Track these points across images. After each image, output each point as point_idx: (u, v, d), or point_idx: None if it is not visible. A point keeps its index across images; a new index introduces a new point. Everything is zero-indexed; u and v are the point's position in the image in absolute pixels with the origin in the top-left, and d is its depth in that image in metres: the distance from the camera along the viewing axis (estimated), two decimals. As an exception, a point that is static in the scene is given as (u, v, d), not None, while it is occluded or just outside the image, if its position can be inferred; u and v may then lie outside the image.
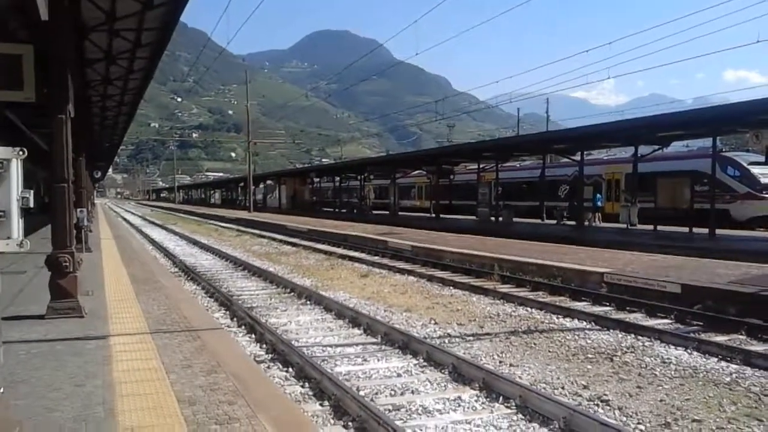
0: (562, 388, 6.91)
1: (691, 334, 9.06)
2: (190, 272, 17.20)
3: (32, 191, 3.41)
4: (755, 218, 25.54)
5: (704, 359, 7.92)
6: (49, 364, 6.05)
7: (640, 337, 9.03)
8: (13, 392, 5.12)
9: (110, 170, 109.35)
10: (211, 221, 49.87)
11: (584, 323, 10.17)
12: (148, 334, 7.43)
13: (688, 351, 8.26)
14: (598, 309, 11.29)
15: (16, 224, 3.26)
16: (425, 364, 7.74)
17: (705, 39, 29.85)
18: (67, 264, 8.16)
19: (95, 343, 6.89)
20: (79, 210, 15.18)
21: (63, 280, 8.20)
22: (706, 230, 21.72)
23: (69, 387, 5.31)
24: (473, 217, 36.19)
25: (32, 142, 21.32)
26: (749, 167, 26.58)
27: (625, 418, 6.00)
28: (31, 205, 3.32)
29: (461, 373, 7.17)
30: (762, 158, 22.38)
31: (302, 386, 6.91)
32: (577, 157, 28.54)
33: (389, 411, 6.08)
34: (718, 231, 21.65)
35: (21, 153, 3.33)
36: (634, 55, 33.16)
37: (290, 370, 7.52)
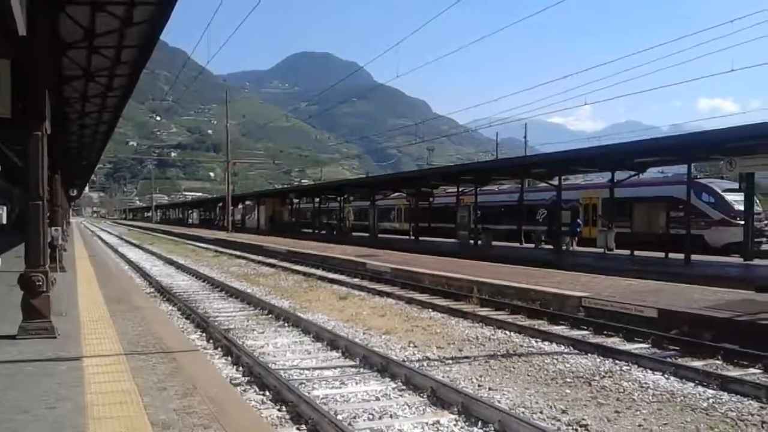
0: (541, 412, 6.88)
1: (669, 359, 9.10)
2: (166, 293, 16.99)
3: (5, 207, 3.33)
4: (730, 244, 25.88)
5: (681, 384, 7.94)
6: (20, 385, 5.90)
7: (617, 362, 9.05)
8: (-19, 415, 4.99)
9: (87, 188, 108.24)
10: (189, 242, 49.43)
11: (562, 347, 10.18)
12: (123, 355, 7.29)
13: (666, 376, 8.30)
14: (576, 333, 11.32)
15: (-12, 241, 3.18)
16: (404, 387, 7.67)
17: (680, 67, 30.45)
18: (41, 283, 8.00)
19: (68, 365, 6.74)
20: (53, 228, 14.96)
21: (36, 300, 8.03)
22: (681, 256, 21.96)
23: (39, 409, 5.17)
24: (452, 240, 36.28)
25: (6, 158, 21.03)
26: (724, 194, 27.00)
27: (604, 443, 5.99)
28: (4, 221, 3.25)
29: (440, 396, 7.11)
30: (736, 185, 22.79)
31: (279, 410, 6.80)
32: (555, 182, 28.81)
33: (367, 435, 6.01)
34: (694, 256, 21.89)
35: (-5, 168, 3.26)
36: (610, 82, 33.70)
37: (267, 393, 7.41)
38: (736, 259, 22.86)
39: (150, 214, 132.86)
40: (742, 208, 23.84)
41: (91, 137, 24.79)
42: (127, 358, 7.11)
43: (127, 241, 51.75)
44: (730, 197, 26.58)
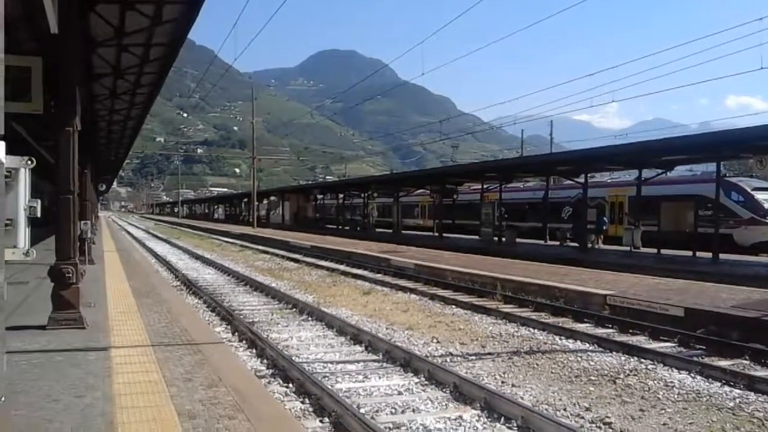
0: (565, 409, 6.86)
1: (695, 358, 9.00)
2: (192, 286, 17.20)
3: (39, 201, 3.42)
4: (758, 243, 25.46)
5: (707, 383, 7.86)
6: (49, 375, 6.03)
7: (643, 360, 8.98)
8: (13, 402, 5.11)
9: (115, 183, 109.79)
10: (215, 236, 49.89)
11: (587, 345, 10.11)
12: (150, 346, 7.41)
13: (692, 375, 8.21)
14: (600, 331, 11.24)
15: (23, 233, 3.26)
16: (427, 382, 7.69)
17: (708, 65, 29.96)
18: (70, 275, 8.16)
19: (96, 355, 6.87)
20: (82, 222, 15.20)
21: (65, 291, 8.20)
22: (709, 254, 21.67)
23: (68, 398, 5.29)
24: (476, 237, 36.13)
25: (38, 153, 21.41)
26: (753, 193, 26.56)
27: (627, 441, 5.95)
28: (38, 214, 3.33)
29: (463, 392, 7.12)
30: (766, 184, 22.40)
31: (302, 402, 6.87)
32: (581, 179, 28.56)
33: (390, 429, 6.05)
34: (722, 255, 21.58)
35: (29, 162, 3.34)
36: (638, 80, 33.23)
37: (291, 385, 7.48)
38: (765, 259, 22.49)
39: (177, 209, 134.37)
40: (772, 207, 23.45)
41: (120, 133, 25.18)
42: (154, 350, 7.23)
43: (154, 235, 52.42)
44: (759, 196, 26.14)
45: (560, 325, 11.52)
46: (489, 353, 9.58)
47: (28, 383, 5.71)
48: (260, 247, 34.75)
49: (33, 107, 8.23)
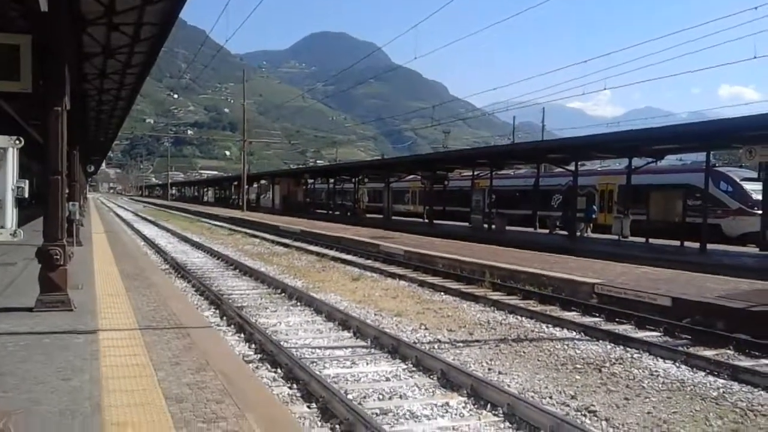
0: (550, 397, 6.92)
1: (680, 348, 9.09)
2: (180, 269, 17.16)
3: (27, 181, 3.39)
4: (747, 234, 25.63)
5: (692, 373, 7.94)
6: (37, 357, 6.00)
7: (629, 349, 9.06)
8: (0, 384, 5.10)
9: (103, 165, 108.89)
10: (204, 219, 49.74)
11: (574, 333, 10.19)
12: (138, 330, 7.40)
13: (677, 364, 8.29)
14: (587, 319, 11.31)
15: (11, 214, 3.24)
16: (414, 369, 7.73)
17: (701, 54, 29.96)
18: (58, 257, 8.10)
19: (84, 338, 6.85)
20: (71, 203, 15.11)
21: (53, 273, 8.14)
22: (697, 244, 21.81)
23: (56, 381, 5.27)
24: (466, 224, 36.21)
25: (26, 133, 21.20)
26: (742, 183, 26.68)
27: (611, 429, 6.02)
28: (26, 195, 3.30)
29: (450, 379, 7.16)
30: (755, 174, 22.51)
31: (290, 387, 6.89)
32: (572, 167, 28.60)
33: (377, 415, 6.08)
34: (710, 245, 21.73)
35: (18, 142, 3.30)
36: (630, 68, 33.19)
37: (279, 370, 7.50)
38: (752, 249, 22.67)
39: (161, 191, 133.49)
40: (760, 197, 23.57)
41: (109, 114, 24.93)
42: (142, 333, 7.22)
43: (142, 218, 52.18)
44: (748, 186, 26.26)
45: (548, 313, 11.59)
46: (476, 340, 9.64)
47: (15, 365, 5.69)
48: (250, 231, 34.68)
49: (22, 86, 8.12)
